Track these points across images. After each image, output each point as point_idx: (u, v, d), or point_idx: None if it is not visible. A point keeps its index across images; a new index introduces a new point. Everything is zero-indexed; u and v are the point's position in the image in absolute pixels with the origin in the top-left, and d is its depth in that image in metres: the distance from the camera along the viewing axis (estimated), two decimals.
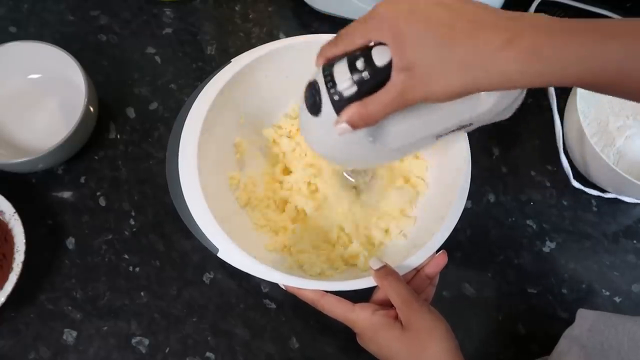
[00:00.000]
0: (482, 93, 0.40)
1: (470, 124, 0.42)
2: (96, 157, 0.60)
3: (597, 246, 0.60)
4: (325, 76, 0.36)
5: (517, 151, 0.64)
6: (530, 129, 0.65)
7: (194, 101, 0.52)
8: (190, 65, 0.66)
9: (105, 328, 0.53)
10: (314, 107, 0.38)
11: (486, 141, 0.64)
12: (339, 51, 0.37)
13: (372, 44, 0.35)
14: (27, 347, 0.52)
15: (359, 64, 0.35)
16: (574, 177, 0.60)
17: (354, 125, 0.36)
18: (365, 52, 0.35)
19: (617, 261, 0.59)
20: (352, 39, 0.36)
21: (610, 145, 0.61)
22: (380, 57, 0.34)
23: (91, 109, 0.57)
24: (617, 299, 0.58)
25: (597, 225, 0.61)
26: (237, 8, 0.70)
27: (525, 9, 0.68)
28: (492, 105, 0.40)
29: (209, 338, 0.53)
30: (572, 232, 0.61)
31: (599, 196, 0.61)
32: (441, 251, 0.49)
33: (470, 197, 0.52)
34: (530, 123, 0.65)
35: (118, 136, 0.61)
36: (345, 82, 0.35)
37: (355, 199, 0.56)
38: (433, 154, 0.57)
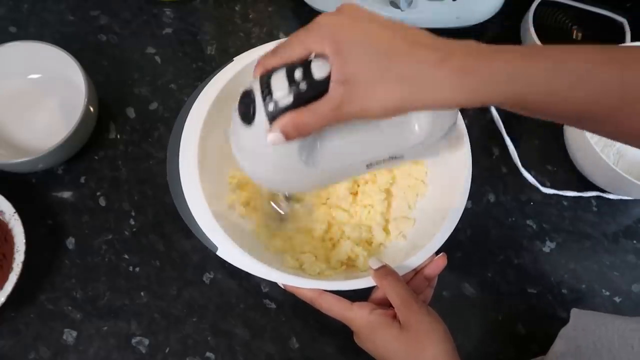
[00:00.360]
0: (415, 125, 0.40)
1: (402, 156, 0.42)
2: (96, 157, 0.60)
3: (597, 246, 0.60)
4: (261, 85, 0.35)
5: (517, 151, 0.64)
6: (530, 130, 0.65)
7: (194, 101, 0.52)
8: (190, 65, 0.66)
9: (105, 328, 0.53)
10: (246, 115, 0.36)
11: (486, 141, 0.64)
12: (277, 62, 0.36)
13: (312, 56, 0.35)
14: (27, 347, 0.52)
15: (297, 74, 0.34)
16: (551, 184, 0.60)
17: (287, 135, 0.35)
18: (304, 63, 0.35)
19: (617, 261, 0.60)
20: (291, 50, 0.36)
21: (610, 145, 0.61)
22: (319, 70, 0.34)
23: (91, 109, 0.57)
24: (617, 299, 0.58)
25: (597, 225, 0.61)
26: (237, 8, 0.70)
27: (526, 8, 0.68)
28: (423, 138, 0.41)
29: (209, 338, 0.53)
30: (572, 232, 0.61)
31: (580, 196, 0.61)
32: (441, 253, 0.49)
33: (470, 197, 0.52)
34: (530, 123, 0.65)
35: (118, 136, 0.61)
36: (281, 91, 0.34)
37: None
38: None
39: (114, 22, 0.68)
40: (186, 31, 0.68)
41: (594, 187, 0.61)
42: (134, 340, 0.53)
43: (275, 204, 0.55)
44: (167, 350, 0.53)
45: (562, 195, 0.62)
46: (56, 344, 0.52)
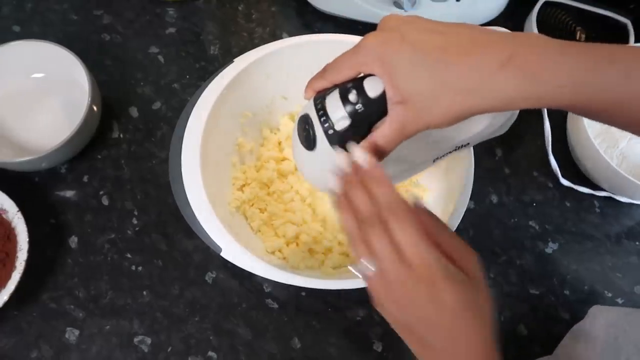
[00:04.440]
0: (479, 116, 0.39)
1: (468, 143, 0.42)
2: (99, 157, 0.60)
3: (599, 247, 0.60)
4: (317, 110, 0.36)
5: (520, 152, 0.64)
6: (533, 131, 0.65)
7: (196, 101, 0.52)
8: (193, 64, 0.66)
9: (108, 327, 0.53)
10: (308, 141, 0.37)
11: (489, 142, 0.64)
12: (327, 84, 0.36)
13: (362, 74, 0.35)
14: (29, 345, 0.52)
15: (352, 96, 0.34)
16: (563, 176, 0.60)
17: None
18: (357, 83, 0.34)
19: (619, 262, 0.59)
20: (340, 72, 0.35)
21: (614, 146, 0.61)
22: (372, 88, 0.34)
23: (94, 108, 0.57)
24: (619, 301, 0.58)
25: (600, 227, 0.61)
26: (240, 8, 0.70)
27: (529, 9, 0.68)
28: (487, 125, 0.40)
29: (211, 337, 0.53)
30: (575, 233, 0.61)
31: (591, 194, 0.61)
32: None
33: (473, 197, 0.52)
34: (533, 125, 0.65)
35: (121, 135, 0.62)
36: (338, 115, 0.35)
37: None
38: None
39: (117, 22, 0.68)
40: (189, 31, 0.68)
41: (597, 189, 0.61)
42: (136, 340, 0.53)
43: None
44: (169, 350, 0.53)
45: (566, 195, 0.61)
46: (58, 342, 0.52)
